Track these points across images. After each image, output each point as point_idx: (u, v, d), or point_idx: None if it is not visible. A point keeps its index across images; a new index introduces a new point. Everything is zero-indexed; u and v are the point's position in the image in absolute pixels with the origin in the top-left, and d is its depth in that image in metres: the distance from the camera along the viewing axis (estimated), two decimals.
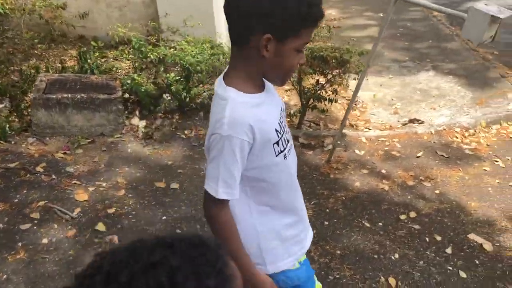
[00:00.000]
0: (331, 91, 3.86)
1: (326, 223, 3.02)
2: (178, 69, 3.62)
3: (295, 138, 3.92)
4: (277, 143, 1.30)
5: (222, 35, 4.36)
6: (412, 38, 6.47)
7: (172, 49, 3.55)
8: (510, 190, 3.46)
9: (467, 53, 5.85)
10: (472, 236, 2.99)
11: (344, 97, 4.63)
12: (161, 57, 3.35)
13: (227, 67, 1.32)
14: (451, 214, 3.18)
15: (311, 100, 3.97)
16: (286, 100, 4.52)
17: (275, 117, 1.32)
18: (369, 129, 4.24)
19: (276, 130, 1.29)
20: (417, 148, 3.95)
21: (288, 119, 4.32)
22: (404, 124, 4.31)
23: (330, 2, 8.37)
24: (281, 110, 1.39)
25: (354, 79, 4.11)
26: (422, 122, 4.31)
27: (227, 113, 1.17)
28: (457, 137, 4.15)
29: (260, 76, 1.28)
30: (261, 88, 1.29)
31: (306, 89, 3.95)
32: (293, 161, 1.44)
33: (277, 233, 1.42)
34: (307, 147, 3.85)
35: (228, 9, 1.19)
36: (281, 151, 1.32)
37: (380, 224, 3.05)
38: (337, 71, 3.63)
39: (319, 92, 3.89)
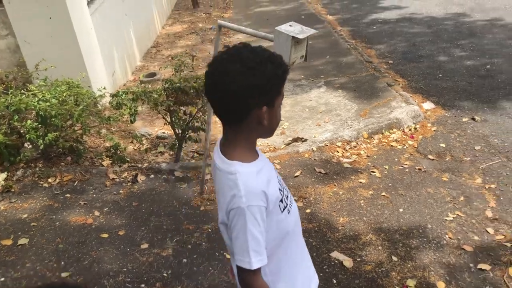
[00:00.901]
0: (202, 120, 3.79)
1: (185, 260, 2.89)
2: (34, 116, 3.46)
3: (171, 172, 3.81)
4: (281, 200, 1.36)
5: (95, 75, 4.24)
6: (311, 55, 6.55)
7: (23, 96, 3.39)
8: (381, 200, 3.46)
9: (360, 65, 5.99)
10: (334, 254, 2.94)
11: None
12: (2, 107, 3.19)
13: (221, 140, 1.37)
14: (318, 233, 3.13)
15: (190, 131, 3.90)
16: (170, 134, 4.42)
17: (275, 177, 1.39)
18: None
19: (279, 189, 1.36)
20: (296, 167, 3.92)
21: (172, 152, 4.22)
22: (288, 144, 4.29)
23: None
24: (273, 167, 1.44)
25: None
26: (305, 140, 4.31)
27: (240, 186, 1.23)
28: (338, 152, 4.16)
29: (257, 140, 1.37)
30: (256, 153, 1.37)
31: (181, 121, 3.87)
32: (295, 214, 1.47)
33: None
34: (182, 180, 3.74)
35: (216, 94, 1.25)
36: (285, 207, 1.37)
37: None
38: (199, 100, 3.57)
39: (191, 123, 3.82)
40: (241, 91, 1.20)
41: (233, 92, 1.20)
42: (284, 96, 1.35)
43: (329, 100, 5.07)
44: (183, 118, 3.79)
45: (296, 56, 2.38)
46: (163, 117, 3.85)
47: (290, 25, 2.37)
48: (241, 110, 1.24)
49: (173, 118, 3.81)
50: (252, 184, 1.25)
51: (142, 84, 5.62)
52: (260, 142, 4.43)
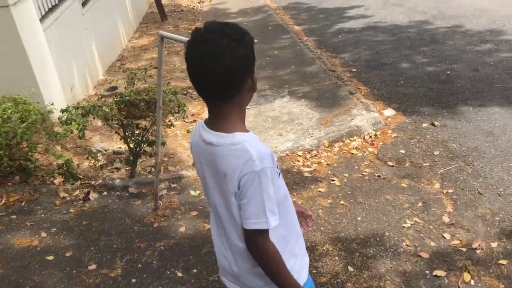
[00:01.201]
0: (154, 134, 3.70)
1: (134, 280, 2.76)
2: None
3: (125, 188, 3.69)
4: (277, 166, 1.40)
5: (47, 90, 4.11)
6: (277, 66, 6.57)
7: None
8: (340, 209, 3.41)
9: (324, 74, 5.99)
10: None
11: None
12: None
13: (206, 121, 1.37)
14: None
15: (143, 145, 3.79)
16: (127, 149, 4.30)
17: None
18: None
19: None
20: None
21: (128, 168, 4.10)
22: None
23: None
24: None
25: (184, 118, 4.00)
26: None
27: (252, 151, 1.25)
28: (299, 161, 4.11)
29: None
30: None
31: (135, 136, 3.76)
32: (283, 179, 1.52)
33: (291, 252, 1.48)
34: (136, 196, 3.61)
35: (209, 76, 1.22)
36: (280, 172, 1.43)
37: (195, 270, 2.84)
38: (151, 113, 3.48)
39: (145, 137, 3.72)
40: (237, 64, 1.22)
41: (230, 67, 1.21)
42: (248, 107, 1.34)
43: (292, 110, 5.03)
44: (137, 132, 3.68)
45: None
46: (117, 132, 3.73)
47: None
48: (238, 82, 1.26)
49: (126, 133, 3.71)
50: (261, 147, 1.29)
51: (103, 99, 5.49)
52: None
